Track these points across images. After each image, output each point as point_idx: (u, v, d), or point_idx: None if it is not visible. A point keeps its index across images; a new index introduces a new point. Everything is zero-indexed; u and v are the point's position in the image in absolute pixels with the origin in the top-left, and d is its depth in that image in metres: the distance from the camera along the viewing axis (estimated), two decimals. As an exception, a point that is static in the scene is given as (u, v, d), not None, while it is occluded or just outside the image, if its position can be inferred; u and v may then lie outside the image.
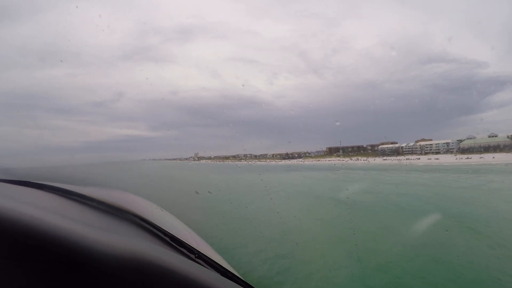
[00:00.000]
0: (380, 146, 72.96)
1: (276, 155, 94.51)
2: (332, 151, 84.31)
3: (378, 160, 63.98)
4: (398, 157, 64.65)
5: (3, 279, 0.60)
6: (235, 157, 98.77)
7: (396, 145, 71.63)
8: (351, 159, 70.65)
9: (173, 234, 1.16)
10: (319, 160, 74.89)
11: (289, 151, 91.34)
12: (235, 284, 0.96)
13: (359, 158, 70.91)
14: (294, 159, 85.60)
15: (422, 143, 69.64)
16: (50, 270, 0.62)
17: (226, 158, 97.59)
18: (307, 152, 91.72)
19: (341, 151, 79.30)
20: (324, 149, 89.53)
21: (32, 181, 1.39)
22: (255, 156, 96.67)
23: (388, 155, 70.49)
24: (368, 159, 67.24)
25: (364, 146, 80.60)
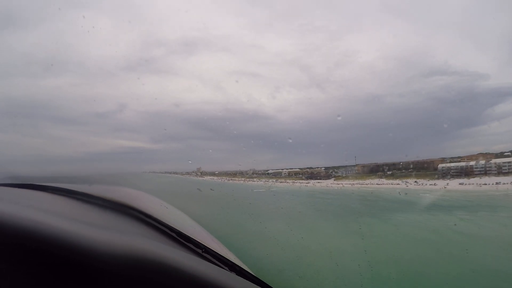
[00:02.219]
0: (441, 165, 56.14)
1: (293, 173, 76.89)
2: (366, 170, 66.92)
3: (453, 185, 47.15)
4: (479, 180, 47.90)
5: (8, 283, 0.59)
6: (242, 174, 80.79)
7: (462, 164, 54.99)
8: (408, 183, 53.37)
9: (179, 229, 1.14)
10: (364, 184, 57.30)
11: (296, 166, 75.10)
12: (243, 278, 0.96)
13: (418, 180, 53.73)
14: (320, 179, 68.08)
15: (497, 160, 53.27)
16: (53, 272, 0.61)
17: (234, 175, 79.34)
18: (330, 168, 74.41)
19: (386, 169, 62.03)
20: (343, 162, 72.70)
21: (35, 183, 1.37)
22: (267, 173, 78.91)
23: (454, 176, 53.73)
24: (436, 183, 50.22)
25: (409, 162, 63.69)
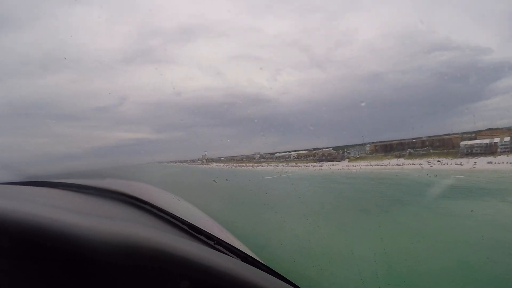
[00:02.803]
0: (463, 143, 53.15)
1: (302, 155, 73.61)
2: (380, 149, 63.83)
3: (482, 165, 44.36)
4: (508, 159, 45.13)
5: (23, 281, 0.61)
6: (249, 159, 77.19)
7: (486, 141, 52.04)
8: (431, 163, 50.48)
9: (191, 222, 1.17)
10: (383, 165, 54.35)
11: (301, 147, 72.41)
12: (255, 268, 0.97)
13: (440, 160, 50.87)
14: (332, 160, 64.96)
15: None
16: (64, 267, 0.63)
17: (240, 161, 75.87)
18: (338, 148, 71.23)
19: (401, 147, 59.00)
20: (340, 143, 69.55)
21: (46, 180, 1.40)
22: (275, 157, 75.48)
23: (477, 154, 50.97)
24: (461, 162, 47.36)
25: (423, 139, 60.71)
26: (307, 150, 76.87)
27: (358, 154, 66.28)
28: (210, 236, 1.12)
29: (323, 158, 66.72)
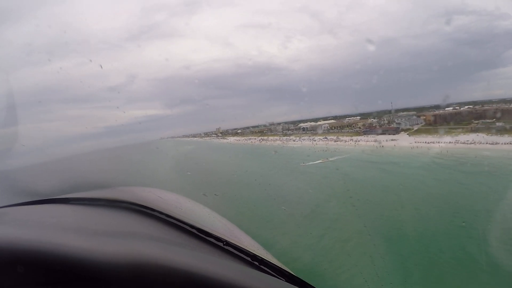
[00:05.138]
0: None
1: (334, 126, 59.73)
2: (440, 120, 52.08)
3: None
4: None
5: None
6: (270, 131, 61.39)
7: None
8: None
9: (199, 226, 1.20)
10: (467, 143, 42.31)
11: (317, 116, 61.83)
12: (262, 268, 1.02)
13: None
14: (382, 134, 52.16)
15: None
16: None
17: (261, 133, 59.53)
18: (365, 115, 58.79)
19: (474, 119, 47.53)
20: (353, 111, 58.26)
21: (56, 197, 1.43)
22: (301, 128, 60.63)
23: None
24: None
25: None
26: (335, 117, 63.35)
27: (409, 125, 54.12)
28: (219, 238, 1.12)
29: (370, 130, 53.43)
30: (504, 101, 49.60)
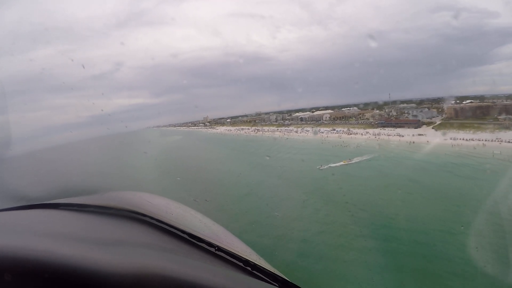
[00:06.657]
0: None
1: (336, 116, 49.38)
2: (462, 114, 45.30)
3: None
4: None
5: None
6: (263, 120, 48.13)
7: None
8: None
9: (190, 231, 1.18)
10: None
11: (308, 106, 54.72)
12: (255, 273, 1.01)
13: None
14: (402, 126, 43.20)
15: None
16: None
17: (252, 122, 45.55)
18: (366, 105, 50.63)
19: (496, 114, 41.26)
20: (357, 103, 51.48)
21: (45, 202, 1.41)
22: (300, 118, 48.86)
23: None
24: None
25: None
26: (336, 107, 53.28)
27: (426, 118, 46.33)
28: (211, 243, 1.11)
29: (388, 123, 43.99)
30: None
